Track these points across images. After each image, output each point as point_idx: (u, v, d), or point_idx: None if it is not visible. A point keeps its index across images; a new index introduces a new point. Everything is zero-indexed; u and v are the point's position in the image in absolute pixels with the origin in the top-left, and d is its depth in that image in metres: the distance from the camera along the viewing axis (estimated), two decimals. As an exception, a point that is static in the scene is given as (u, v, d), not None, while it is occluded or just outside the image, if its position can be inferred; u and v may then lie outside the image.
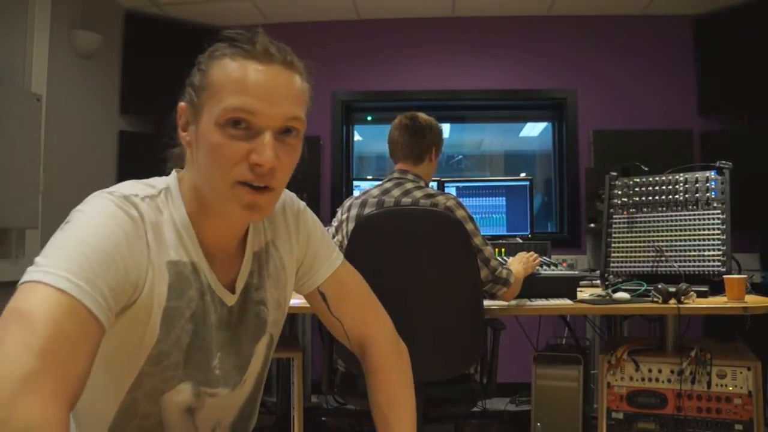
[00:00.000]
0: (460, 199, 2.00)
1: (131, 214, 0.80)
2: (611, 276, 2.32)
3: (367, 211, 1.98)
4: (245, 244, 0.97)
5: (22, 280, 0.70)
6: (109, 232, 0.77)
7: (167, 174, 0.94)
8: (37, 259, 0.72)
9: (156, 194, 0.87)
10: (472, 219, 1.95)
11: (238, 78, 0.81)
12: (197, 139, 0.84)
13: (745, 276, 2.03)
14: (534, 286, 2.12)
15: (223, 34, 0.85)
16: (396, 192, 2.00)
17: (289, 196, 1.08)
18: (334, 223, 2.17)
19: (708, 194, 2.19)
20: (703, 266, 2.14)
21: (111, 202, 0.80)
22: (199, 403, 0.92)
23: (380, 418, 1.03)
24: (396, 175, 2.08)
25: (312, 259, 1.08)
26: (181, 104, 0.88)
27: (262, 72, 0.81)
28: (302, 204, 1.09)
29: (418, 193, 1.97)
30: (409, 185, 2.02)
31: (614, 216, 2.37)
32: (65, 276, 0.69)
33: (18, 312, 0.65)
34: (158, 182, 0.90)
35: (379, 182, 2.11)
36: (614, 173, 2.43)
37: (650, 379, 2.10)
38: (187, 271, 0.87)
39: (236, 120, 0.80)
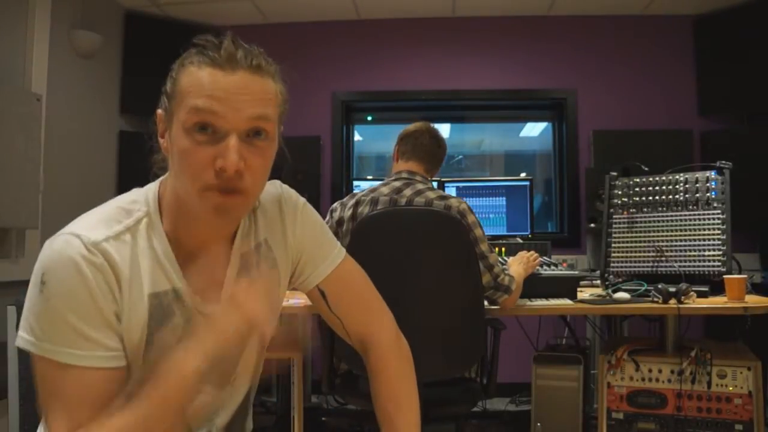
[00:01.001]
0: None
1: (98, 263, 0.81)
2: (611, 276, 2.32)
3: (379, 209, 1.97)
4: (233, 245, 0.97)
5: (34, 352, 0.80)
6: (84, 296, 0.80)
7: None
8: (33, 329, 0.80)
9: (132, 224, 0.87)
10: (480, 225, 1.95)
11: (202, 84, 0.82)
12: (171, 146, 0.86)
13: (745, 276, 2.03)
14: (534, 286, 2.12)
15: (194, 41, 0.86)
16: (408, 191, 1.99)
17: (287, 193, 1.07)
18: (335, 214, 2.13)
19: (708, 194, 2.19)
20: (703, 266, 2.14)
21: (78, 256, 0.80)
22: None
23: (384, 416, 1.03)
24: (404, 175, 2.07)
25: (310, 258, 1.07)
26: (159, 111, 0.90)
27: (226, 77, 0.82)
28: (302, 201, 1.09)
29: (431, 194, 1.96)
30: (420, 186, 2.01)
31: (614, 216, 2.37)
32: (78, 354, 0.79)
33: (61, 398, 0.79)
34: (139, 202, 0.90)
35: (381, 181, 2.10)
36: (614, 173, 2.43)
37: (650, 379, 2.10)
38: (168, 299, 0.88)
39: (202, 124, 0.81)
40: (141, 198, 0.91)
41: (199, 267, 0.92)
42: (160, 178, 0.94)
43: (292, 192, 1.09)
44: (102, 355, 0.81)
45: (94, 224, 0.85)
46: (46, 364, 0.79)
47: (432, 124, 2.19)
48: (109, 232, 0.84)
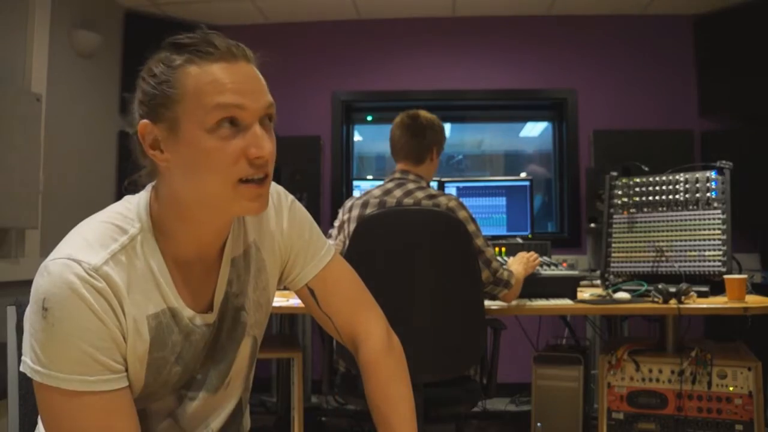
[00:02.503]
0: (461, 200, 2.00)
1: (100, 288, 0.80)
2: (611, 276, 2.32)
3: (368, 211, 1.98)
4: (224, 250, 0.96)
5: (41, 381, 0.78)
6: (89, 320, 0.79)
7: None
8: (39, 357, 0.78)
9: (127, 242, 0.85)
10: (473, 220, 1.94)
11: (215, 80, 0.81)
12: (181, 152, 0.83)
13: (745, 276, 2.03)
14: (534, 286, 2.12)
15: (172, 41, 0.85)
16: (398, 192, 2.00)
17: (276, 191, 1.05)
18: (336, 223, 2.17)
19: (708, 194, 2.19)
20: (704, 266, 2.14)
21: (79, 281, 0.78)
22: (181, 409, 0.94)
23: (378, 416, 1.02)
24: (397, 175, 2.08)
25: (298, 256, 1.06)
26: (144, 122, 0.85)
27: (234, 69, 0.83)
28: (290, 198, 1.07)
29: (419, 194, 1.97)
30: (411, 186, 2.01)
31: (614, 216, 2.37)
32: (88, 379, 0.79)
33: (71, 425, 0.79)
34: (132, 218, 0.88)
35: (380, 182, 2.10)
36: (614, 173, 2.43)
37: (651, 380, 2.10)
38: (166, 318, 0.87)
39: (229, 120, 0.81)
40: (133, 212, 0.88)
41: (191, 278, 0.91)
42: (148, 188, 0.92)
43: (280, 189, 1.07)
44: (110, 377, 0.80)
45: (91, 245, 0.82)
46: (53, 392, 0.78)
47: (407, 112, 2.12)
48: (107, 254, 0.82)
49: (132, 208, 0.89)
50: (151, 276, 0.86)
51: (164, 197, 0.88)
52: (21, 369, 0.80)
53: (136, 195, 0.92)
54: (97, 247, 0.82)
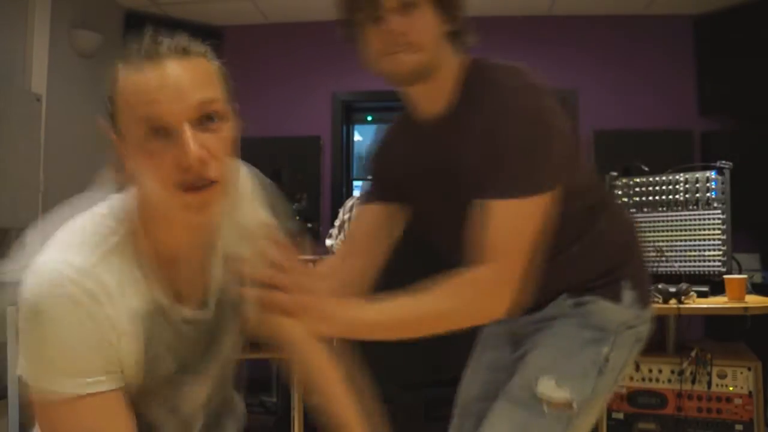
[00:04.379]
0: None
1: (89, 288, 0.79)
2: (611, 276, 2.32)
3: None
4: (214, 245, 0.96)
5: (38, 385, 0.79)
6: (82, 322, 0.78)
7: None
8: (34, 362, 0.79)
9: (116, 241, 0.84)
10: None
11: (136, 90, 0.78)
12: (131, 159, 0.82)
13: (745, 276, 2.03)
14: (534, 286, 2.11)
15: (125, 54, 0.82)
16: None
17: (268, 187, 1.07)
18: (336, 223, 2.17)
19: (708, 194, 2.19)
20: (704, 266, 2.14)
21: (70, 284, 0.77)
22: (178, 399, 0.95)
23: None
24: None
25: None
26: (111, 134, 0.86)
27: (156, 73, 0.77)
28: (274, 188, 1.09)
29: None
30: None
31: (614, 216, 2.37)
32: (84, 382, 0.79)
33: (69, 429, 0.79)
34: (120, 218, 0.87)
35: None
36: (615, 173, 2.43)
37: (650, 380, 2.10)
38: (158, 316, 0.87)
39: (153, 130, 0.77)
40: (121, 212, 0.88)
41: (181, 274, 0.91)
42: (131, 187, 0.91)
43: (266, 181, 1.08)
44: (104, 379, 0.80)
45: (80, 246, 0.81)
46: (48, 395, 0.78)
47: None
48: (97, 256, 0.81)
49: (120, 208, 0.88)
50: (141, 275, 0.86)
51: (139, 197, 0.88)
52: (17, 372, 0.80)
53: (124, 193, 0.91)
54: (85, 247, 0.81)
